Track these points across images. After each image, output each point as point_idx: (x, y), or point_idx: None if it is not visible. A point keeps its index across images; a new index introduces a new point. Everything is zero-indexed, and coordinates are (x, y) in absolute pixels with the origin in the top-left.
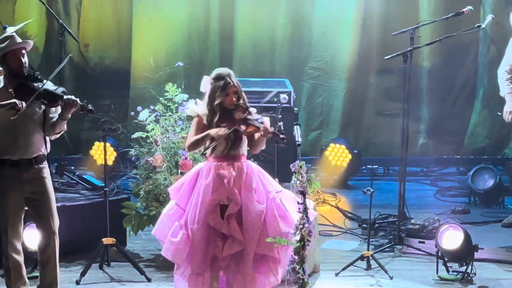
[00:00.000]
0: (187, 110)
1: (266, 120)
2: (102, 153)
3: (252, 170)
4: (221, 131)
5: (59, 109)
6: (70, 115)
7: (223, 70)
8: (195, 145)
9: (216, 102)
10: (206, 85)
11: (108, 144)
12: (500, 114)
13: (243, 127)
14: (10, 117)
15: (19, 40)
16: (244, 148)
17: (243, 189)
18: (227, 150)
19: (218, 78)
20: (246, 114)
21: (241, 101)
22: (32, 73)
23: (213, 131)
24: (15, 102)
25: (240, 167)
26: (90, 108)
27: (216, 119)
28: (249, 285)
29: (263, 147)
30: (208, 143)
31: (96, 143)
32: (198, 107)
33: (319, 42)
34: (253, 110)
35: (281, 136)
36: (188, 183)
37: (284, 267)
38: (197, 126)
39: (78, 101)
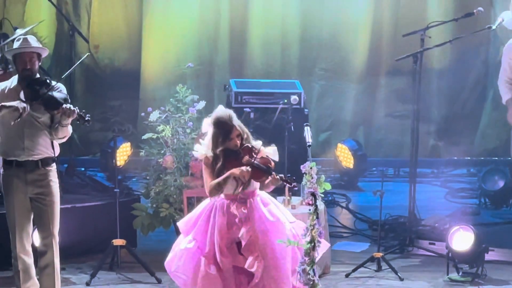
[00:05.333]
0: (196, 152)
1: (272, 151)
2: (122, 154)
3: (267, 202)
4: (244, 169)
5: None
6: (69, 123)
7: (223, 114)
8: (217, 188)
9: (220, 149)
10: (206, 127)
11: (128, 144)
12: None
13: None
14: (13, 120)
15: (33, 44)
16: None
17: (257, 222)
18: (241, 190)
19: (219, 123)
20: (252, 157)
21: (245, 143)
22: (42, 76)
23: (237, 171)
24: (17, 107)
25: (252, 203)
26: (87, 118)
27: (220, 164)
28: None
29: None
30: (231, 183)
31: (123, 145)
32: (205, 149)
33: (329, 44)
34: (258, 143)
35: (293, 184)
36: (203, 219)
37: None
38: (210, 168)
39: (76, 111)
